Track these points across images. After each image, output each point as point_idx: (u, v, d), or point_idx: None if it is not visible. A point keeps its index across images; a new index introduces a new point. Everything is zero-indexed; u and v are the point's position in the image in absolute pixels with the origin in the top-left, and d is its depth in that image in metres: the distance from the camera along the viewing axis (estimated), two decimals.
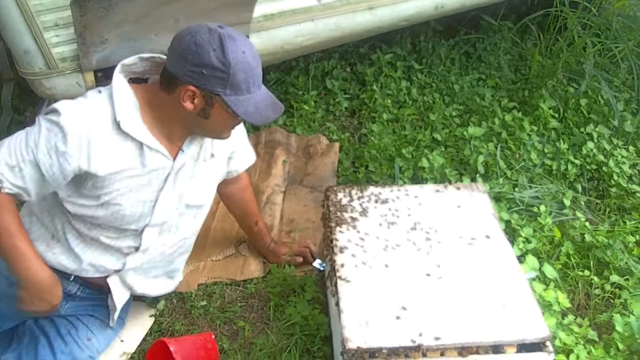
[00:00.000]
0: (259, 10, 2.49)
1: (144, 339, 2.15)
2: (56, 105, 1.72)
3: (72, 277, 1.96)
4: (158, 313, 2.23)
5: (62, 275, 1.93)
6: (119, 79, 1.79)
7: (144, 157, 1.80)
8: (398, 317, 1.75)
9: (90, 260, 1.93)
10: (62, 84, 2.25)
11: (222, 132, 1.87)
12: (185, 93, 1.70)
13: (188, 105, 1.72)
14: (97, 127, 1.72)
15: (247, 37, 2.47)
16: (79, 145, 1.70)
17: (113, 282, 1.98)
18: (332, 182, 2.91)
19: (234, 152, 2.13)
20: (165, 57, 1.76)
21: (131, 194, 1.83)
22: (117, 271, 1.98)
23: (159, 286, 2.12)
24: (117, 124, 1.74)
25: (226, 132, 1.88)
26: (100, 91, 1.80)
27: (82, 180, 1.77)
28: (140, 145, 1.79)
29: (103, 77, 2.28)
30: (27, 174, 1.71)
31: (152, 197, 1.87)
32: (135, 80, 1.87)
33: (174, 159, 1.87)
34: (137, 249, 1.95)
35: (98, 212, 1.83)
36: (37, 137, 1.70)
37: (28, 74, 2.24)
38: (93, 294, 2.04)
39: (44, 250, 1.91)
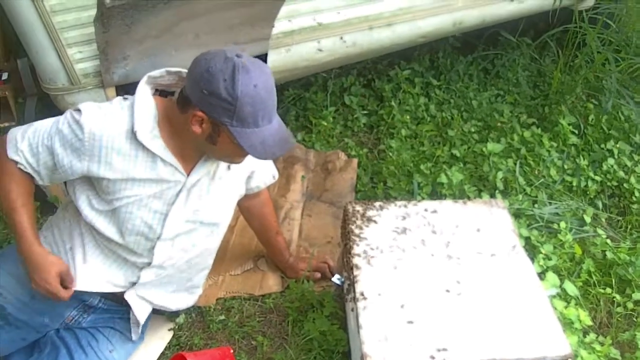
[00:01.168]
0: (278, 27, 2.51)
1: (162, 353, 2.16)
2: (81, 105, 1.78)
3: None
4: (177, 327, 2.24)
5: None
6: (143, 89, 1.82)
7: (156, 169, 1.82)
8: (417, 333, 1.74)
9: (106, 273, 1.94)
10: (84, 100, 2.27)
11: (232, 158, 1.86)
12: (194, 117, 1.70)
13: (196, 129, 1.72)
14: (113, 133, 1.76)
15: (266, 53, 2.51)
16: (91, 146, 1.75)
17: (130, 297, 1.99)
18: (351, 198, 2.90)
19: (254, 171, 2.13)
20: None
21: (142, 203, 1.84)
22: (132, 284, 1.99)
23: (178, 301, 2.13)
24: (133, 133, 1.76)
25: (237, 159, 1.87)
26: (125, 98, 1.84)
27: (95, 179, 1.81)
28: (154, 156, 1.80)
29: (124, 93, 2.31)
30: (42, 158, 1.79)
31: (164, 210, 1.88)
32: (162, 92, 1.89)
33: (188, 174, 1.88)
34: (149, 264, 1.96)
35: (110, 224, 1.86)
36: (59, 127, 1.78)
37: (51, 89, 2.27)
38: (114, 306, 2.05)
39: None
